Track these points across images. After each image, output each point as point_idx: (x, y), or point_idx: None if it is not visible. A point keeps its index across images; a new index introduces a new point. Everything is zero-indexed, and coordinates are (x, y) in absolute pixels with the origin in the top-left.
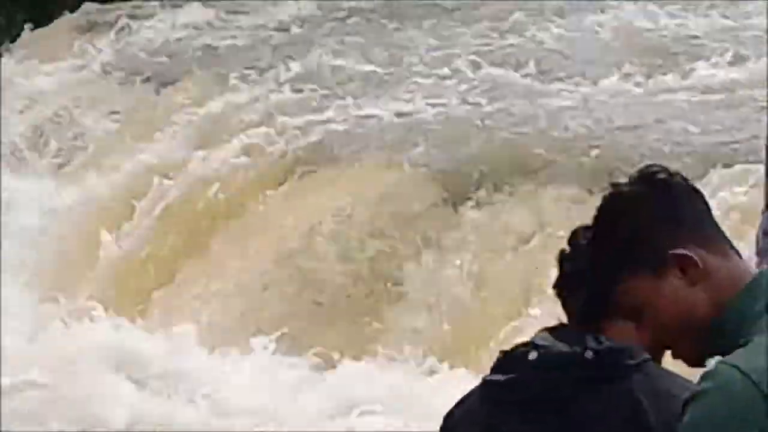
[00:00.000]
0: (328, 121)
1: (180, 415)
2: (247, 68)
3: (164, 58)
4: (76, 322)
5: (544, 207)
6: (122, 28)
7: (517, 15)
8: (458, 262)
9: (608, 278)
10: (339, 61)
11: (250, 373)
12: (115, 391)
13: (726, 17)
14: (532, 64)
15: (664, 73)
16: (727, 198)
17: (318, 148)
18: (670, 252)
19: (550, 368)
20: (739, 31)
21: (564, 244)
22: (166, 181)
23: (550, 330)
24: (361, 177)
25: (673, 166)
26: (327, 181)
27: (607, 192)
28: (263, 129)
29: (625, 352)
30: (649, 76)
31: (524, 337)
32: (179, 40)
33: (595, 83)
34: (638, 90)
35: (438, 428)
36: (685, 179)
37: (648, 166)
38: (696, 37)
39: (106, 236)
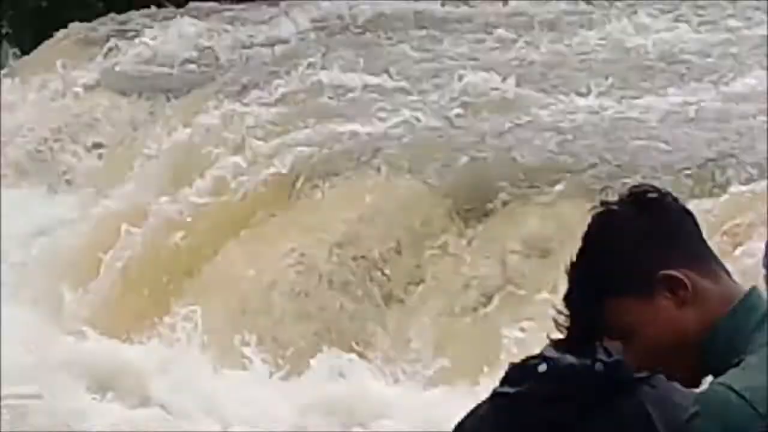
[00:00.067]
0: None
1: None
2: (235, 86)
3: (150, 78)
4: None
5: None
6: (110, 49)
7: (509, 29)
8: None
9: (595, 299)
10: (327, 77)
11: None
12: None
13: (726, 30)
14: (528, 76)
15: (662, 89)
16: (731, 212)
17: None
18: (659, 273)
19: (560, 380)
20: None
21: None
22: (133, 229)
23: (559, 342)
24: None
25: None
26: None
27: (596, 210)
28: (235, 158)
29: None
30: (648, 92)
31: None
32: (165, 57)
33: (592, 97)
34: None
35: None
36: (675, 199)
37: (638, 186)
38: (698, 52)
39: (68, 295)
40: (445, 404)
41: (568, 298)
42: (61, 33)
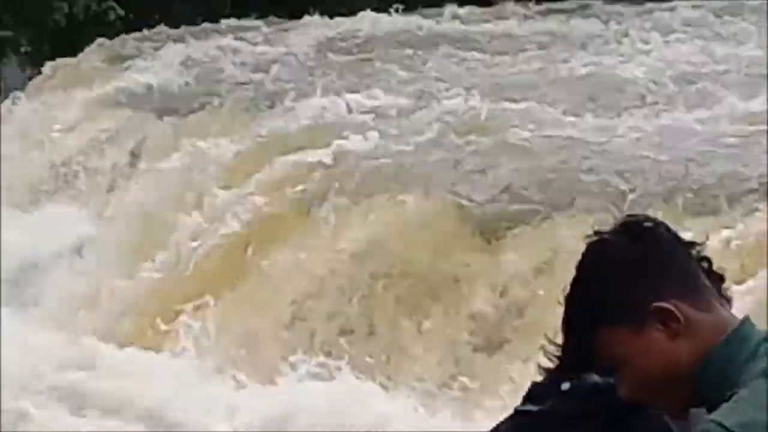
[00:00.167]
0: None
1: None
2: (247, 103)
3: (166, 96)
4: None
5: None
6: (128, 67)
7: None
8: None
9: (588, 327)
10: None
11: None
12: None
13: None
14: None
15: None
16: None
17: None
18: (651, 305)
19: (583, 399)
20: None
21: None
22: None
23: (551, 371)
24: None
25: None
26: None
27: (590, 239)
28: (258, 176)
29: None
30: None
31: None
32: (182, 76)
33: (618, 116)
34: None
35: None
36: (668, 229)
37: (632, 216)
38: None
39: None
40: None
41: (562, 327)
42: (80, 51)
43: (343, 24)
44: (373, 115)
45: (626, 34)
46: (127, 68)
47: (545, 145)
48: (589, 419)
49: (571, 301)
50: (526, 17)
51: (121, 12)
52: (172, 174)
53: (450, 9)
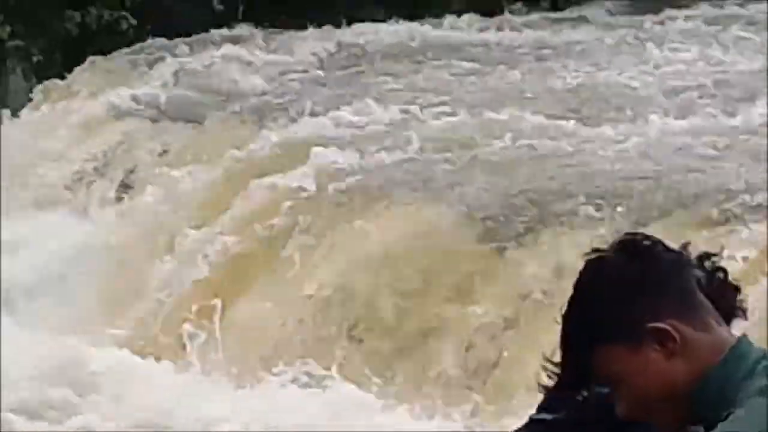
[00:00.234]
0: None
1: None
2: (263, 112)
3: (181, 105)
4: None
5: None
6: (140, 76)
7: (546, 58)
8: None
9: (585, 346)
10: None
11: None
12: None
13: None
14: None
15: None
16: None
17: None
18: (647, 325)
19: (598, 408)
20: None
21: None
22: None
23: (550, 389)
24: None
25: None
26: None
27: (588, 257)
28: (271, 179)
29: None
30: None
31: None
32: (194, 86)
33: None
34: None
35: None
36: (667, 248)
37: (630, 234)
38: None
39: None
40: None
41: (560, 345)
42: (92, 60)
43: (344, 34)
44: (356, 130)
45: (624, 44)
46: (139, 76)
47: (536, 156)
48: (604, 429)
49: (568, 319)
50: (523, 26)
51: (134, 21)
52: (146, 212)
53: (449, 19)
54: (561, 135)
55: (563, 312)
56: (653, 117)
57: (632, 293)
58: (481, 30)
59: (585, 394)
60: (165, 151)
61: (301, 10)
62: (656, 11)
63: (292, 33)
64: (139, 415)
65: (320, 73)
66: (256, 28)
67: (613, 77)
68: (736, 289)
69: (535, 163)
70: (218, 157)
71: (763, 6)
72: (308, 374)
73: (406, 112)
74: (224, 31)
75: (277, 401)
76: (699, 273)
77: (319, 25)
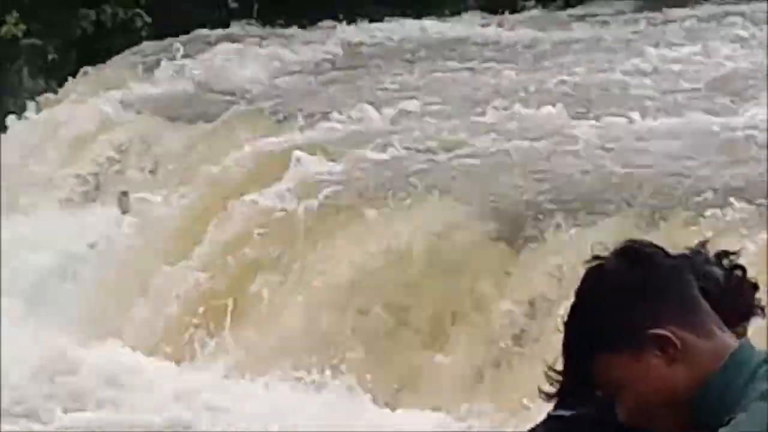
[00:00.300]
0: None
1: None
2: (272, 114)
3: (196, 103)
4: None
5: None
6: (154, 74)
7: (552, 56)
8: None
9: (586, 353)
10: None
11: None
12: None
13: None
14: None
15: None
16: None
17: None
18: (648, 332)
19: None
20: None
21: None
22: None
23: (552, 396)
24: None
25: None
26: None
27: (589, 264)
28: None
29: None
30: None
31: None
32: (210, 83)
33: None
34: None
35: None
36: (668, 254)
37: (631, 241)
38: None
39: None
40: None
41: (562, 352)
42: (107, 58)
43: (358, 32)
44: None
45: (632, 41)
46: (154, 74)
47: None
48: (613, 422)
49: (569, 326)
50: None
51: (148, 19)
52: (124, 251)
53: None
54: (567, 133)
55: (565, 319)
56: (661, 114)
57: (633, 300)
58: (483, 26)
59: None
60: (153, 170)
61: (321, 7)
62: (677, 5)
63: (306, 32)
64: None
65: (332, 73)
66: (271, 26)
67: (620, 75)
68: (755, 287)
69: (545, 161)
70: (199, 173)
71: (764, 5)
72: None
73: (406, 111)
74: (237, 30)
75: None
76: (716, 271)
77: (349, 21)
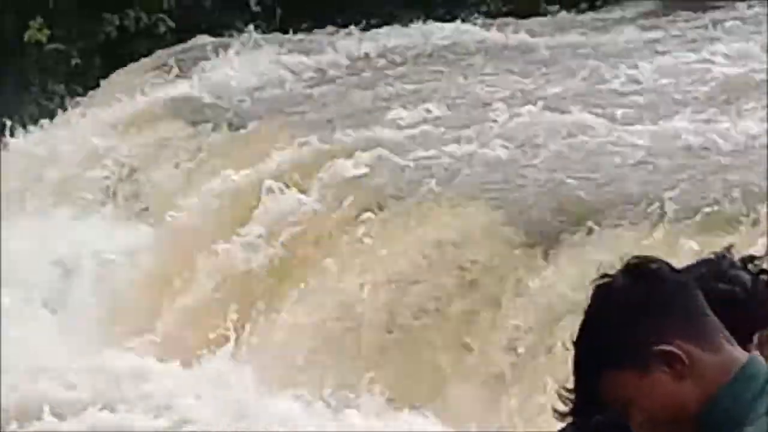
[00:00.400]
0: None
1: None
2: (301, 117)
3: (218, 107)
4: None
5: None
6: (178, 78)
7: (567, 60)
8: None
9: (595, 371)
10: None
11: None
12: None
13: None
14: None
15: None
16: None
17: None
18: (655, 348)
19: None
20: None
21: None
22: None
23: (563, 414)
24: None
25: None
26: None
27: (597, 282)
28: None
29: None
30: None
31: None
32: (232, 87)
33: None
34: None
35: None
36: (673, 270)
37: (637, 258)
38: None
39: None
40: None
41: (572, 370)
42: (130, 63)
43: (381, 37)
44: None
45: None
46: (177, 78)
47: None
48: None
49: (578, 344)
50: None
51: (172, 24)
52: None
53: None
54: (594, 134)
55: (574, 338)
56: (686, 119)
57: (637, 316)
58: (506, 31)
59: None
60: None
61: (344, 11)
62: (694, 10)
63: (328, 36)
64: None
65: (352, 77)
66: (294, 31)
67: (644, 79)
68: None
69: (569, 166)
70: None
71: None
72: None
73: (428, 111)
74: (260, 34)
75: None
76: (743, 275)
77: (370, 26)
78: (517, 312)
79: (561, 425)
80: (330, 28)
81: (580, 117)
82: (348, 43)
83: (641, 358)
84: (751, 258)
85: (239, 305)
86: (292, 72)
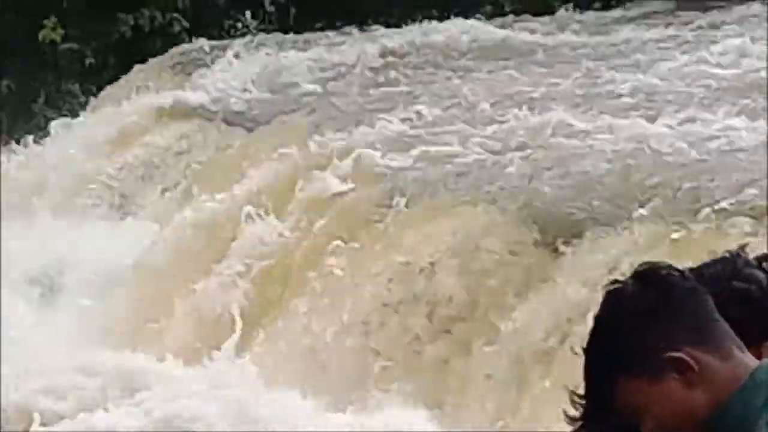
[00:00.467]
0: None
1: None
2: (318, 116)
3: (232, 106)
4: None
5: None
6: (192, 77)
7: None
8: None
9: (605, 377)
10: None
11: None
12: None
13: None
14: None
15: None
16: None
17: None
18: (665, 355)
19: None
20: None
21: None
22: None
23: (575, 419)
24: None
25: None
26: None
27: (607, 288)
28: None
29: None
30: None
31: None
32: (246, 86)
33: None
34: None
35: None
36: (683, 276)
37: (648, 264)
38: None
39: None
40: None
41: (583, 376)
42: (144, 62)
43: (395, 36)
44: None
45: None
46: (191, 77)
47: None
48: None
49: (589, 351)
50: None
51: (186, 23)
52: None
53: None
54: (602, 137)
55: (584, 344)
56: (693, 117)
57: (646, 322)
58: (518, 30)
59: None
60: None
61: (357, 10)
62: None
63: (341, 36)
64: None
65: (367, 74)
66: (307, 31)
67: (653, 78)
68: None
69: (579, 165)
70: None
71: None
72: None
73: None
74: (273, 34)
75: None
76: (758, 274)
77: (383, 25)
78: (489, 360)
79: (571, 429)
80: (341, 28)
81: (590, 116)
82: (359, 43)
83: (651, 364)
84: (766, 256)
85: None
86: (306, 70)
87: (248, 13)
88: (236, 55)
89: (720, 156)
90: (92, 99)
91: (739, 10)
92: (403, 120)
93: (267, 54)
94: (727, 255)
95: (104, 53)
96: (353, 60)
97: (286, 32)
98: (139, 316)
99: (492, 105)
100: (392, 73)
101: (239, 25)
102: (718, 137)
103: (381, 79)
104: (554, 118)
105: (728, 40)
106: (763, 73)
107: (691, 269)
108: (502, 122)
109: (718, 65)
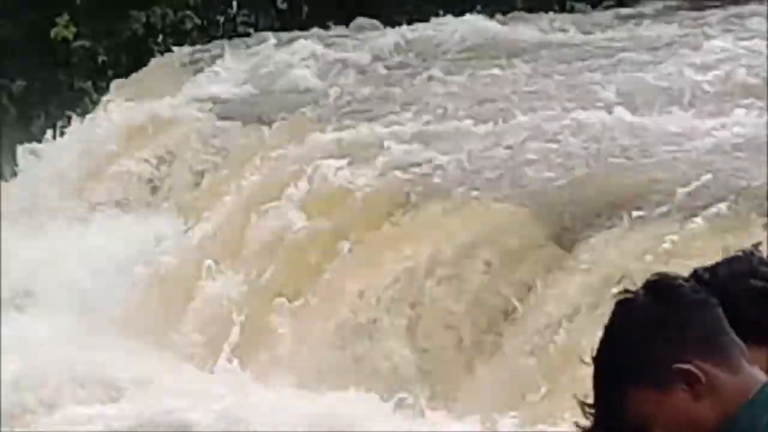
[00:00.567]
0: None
1: None
2: (330, 112)
3: (246, 103)
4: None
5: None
6: (205, 74)
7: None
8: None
9: (615, 387)
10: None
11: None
12: None
13: None
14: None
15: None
16: None
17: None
18: (674, 367)
19: None
20: None
21: None
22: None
23: (586, 429)
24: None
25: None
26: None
27: (618, 298)
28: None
29: None
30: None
31: None
32: (260, 84)
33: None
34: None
35: None
36: (694, 288)
37: (658, 275)
38: None
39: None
40: None
41: (592, 386)
42: (157, 60)
43: (405, 32)
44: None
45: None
46: (204, 74)
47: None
48: None
49: (598, 360)
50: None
51: (198, 21)
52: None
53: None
54: (621, 132)
55: (594, 353)
56: (706, 113)
57: (655, 333)
58: (530, 27)
59: None
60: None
61: (370, 8)
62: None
63: (354, 33)
64: None
65: (383, 71)
66: (320, 28)
67: (671, 72)
68: None
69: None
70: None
71: None
72: None
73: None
74: (285, 32)
75: None
76: (765, 273)
77: (395, 22)
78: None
79: None
80: (354, 25)
81: (606, 114)
82: (371, 40)
83: (660, 375)
84: None
85: None
86: (318, 67)
87: (260, 11)
88: (247, 52)
89: (722, 155)
90: (104, 97)
91: (739, 9)
92: (416, 114)
93: (279, 51)
94: (741, 254)
95: (116, 51)
96: (362, 58)
97: (301, 29)
98: (139, 316)
99: (496, 102)
100: (396, 72)
101: (251, 22)
102: (719, 136)
103: (399, 74)
104: (562, 115)
105: (728, 37)
106: (763, 73)
107: (706, 268)
108: (506, 120)
109: (719, 64)
